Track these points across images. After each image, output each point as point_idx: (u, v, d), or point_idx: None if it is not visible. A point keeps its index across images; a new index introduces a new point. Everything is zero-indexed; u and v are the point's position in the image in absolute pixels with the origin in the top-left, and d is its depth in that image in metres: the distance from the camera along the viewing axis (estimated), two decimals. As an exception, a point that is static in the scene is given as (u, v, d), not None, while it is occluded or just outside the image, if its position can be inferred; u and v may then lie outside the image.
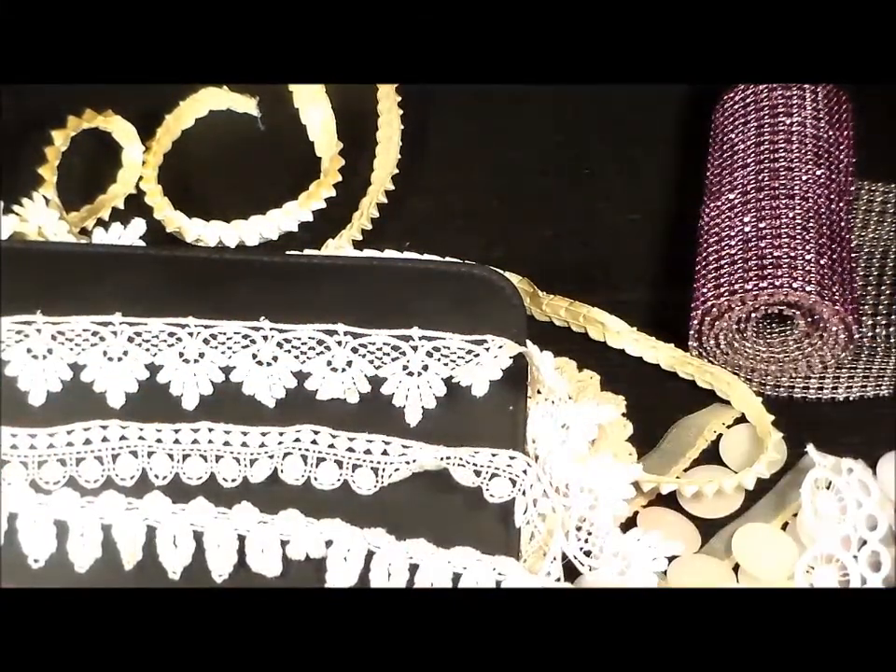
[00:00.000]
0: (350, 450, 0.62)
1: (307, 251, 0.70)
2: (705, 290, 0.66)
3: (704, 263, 0.67)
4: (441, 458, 0.61)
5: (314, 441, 0.62)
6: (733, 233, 0.66)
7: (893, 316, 0.68)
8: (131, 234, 0.70)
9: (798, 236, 0.65)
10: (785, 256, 0.64)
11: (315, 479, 0.61)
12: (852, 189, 0.69)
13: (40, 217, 0.69)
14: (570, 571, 0.61)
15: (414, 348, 0.64)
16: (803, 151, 0.67)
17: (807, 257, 0.64)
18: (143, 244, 0.70)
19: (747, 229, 0.66)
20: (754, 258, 0.65)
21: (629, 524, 0.63)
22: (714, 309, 0.65)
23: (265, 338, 0.64)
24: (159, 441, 0.62)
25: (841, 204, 0.67)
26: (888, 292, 0.69)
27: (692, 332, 0.66)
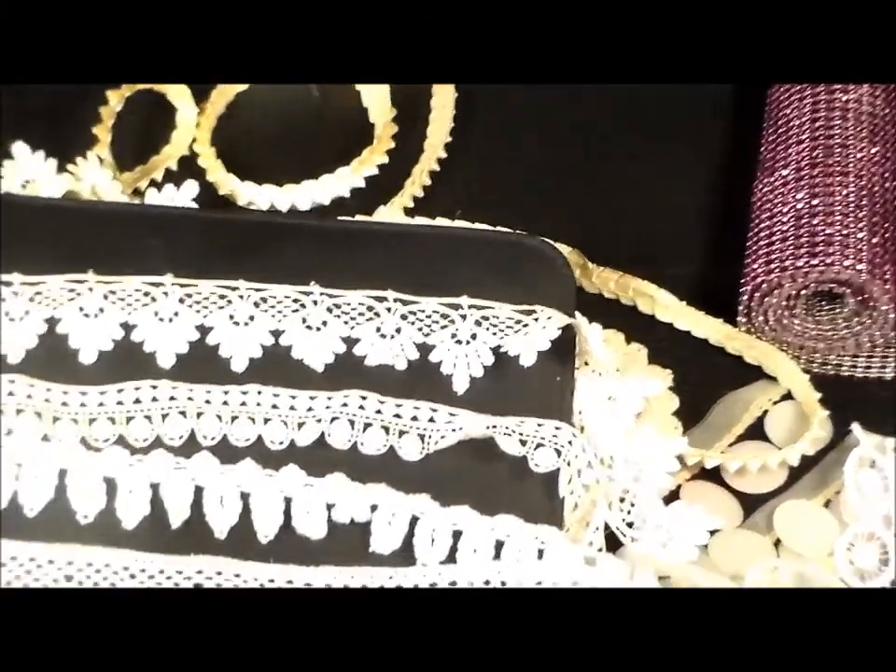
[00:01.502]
0: (397, 416, 0.63)
1: (358, 217, 0.71)
2: (756, 266, 0.67)
3: (756, 239, 0.68)
4: (487, 427, 0.62)
5: (361, 407, 0.63)
6: (785, 210, 0.67)
7: None
8: (183, 196, 0.71)
9: (851, 214, 0.66)
10: (837, 233, 0.65)
11: (362, 444, 0.63)
12: None
13: (94, 177, 0.70)
14: (612, 542, 0.62)
15: (463, 317, 0.65)
16: (858, 128, 0.68)
17: (859, 235, 0.65)
18: (195, 205, 0.71)
19: (800, 205, 0.67)
20: (806, 234, 0.66)
21: (672, 496, 0.65)
22: (764, 285, 0.66)
23: (315, 302, 0.65)
24: (208, 402, 0.63)
25: (895, 183, 0.68)
26: None
27: (741, 308, 0.67)
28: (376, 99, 0.76)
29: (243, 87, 0.76)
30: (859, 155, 0.68)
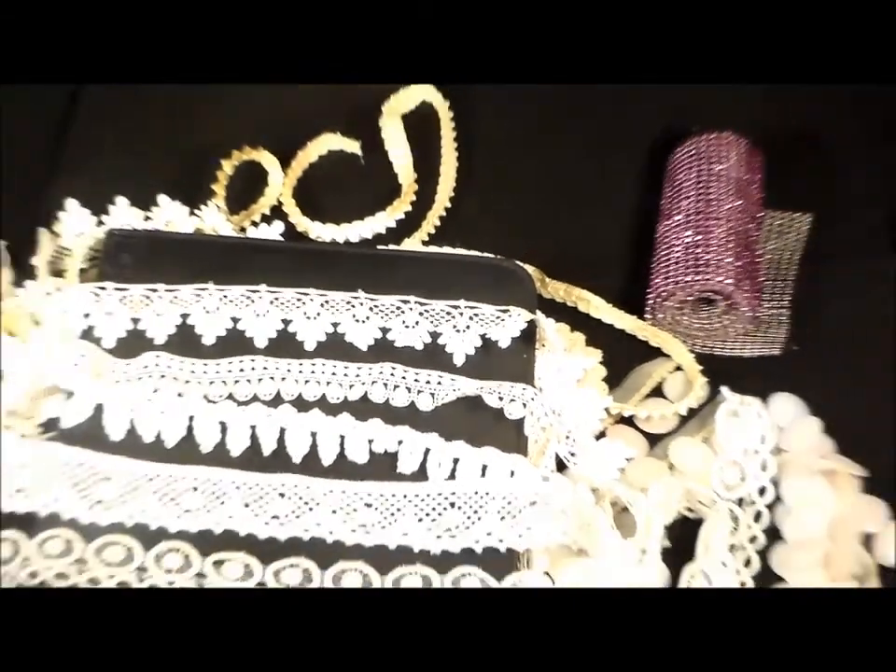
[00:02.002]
0: (416, 380, 0.61)
1: (391, 246, 0.70)
2: (657, 280, 0.65)
3: (657, 262, 0.66)
4: (477, 388, 0.61)
5: (392, 374, 0.61)
6: (677, 243, 0.65)
7: (783, 301, 0.67)
8: (273, 232, 0.69)
9: (721, 246, 0.64)
10: (712, 259, 0.63)
11: (392, 399, 0.61)
12: (761, 214, 0.69)
13: (213, 219, 0.69)
14: (560, 466, 0.61)
15: (461, 313, 0.63)
16: (727, 188, 0.66)
17: (728, 260, 0.63)
18: (281, 238, 0.69)
19: (687, 240, 0.65)
20: (692, 259, 0.64)
21: (601, 436, 0.63)
22: (664, 293, 0.64)
23: (361, 304, 0.63)
24: (289, 370, 0.62)
25: (752, 225, 0.67)
26: (780, 285, 0.68)
27: (647, 308, 0.66)
28: (403, 166, 0.72)
29: (313, 158, 0.73)
30: (727, 206, 0.66)
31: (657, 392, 0.65)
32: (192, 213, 0.69)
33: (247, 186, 0.71)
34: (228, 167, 0.71)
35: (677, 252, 0.65)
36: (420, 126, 0.73)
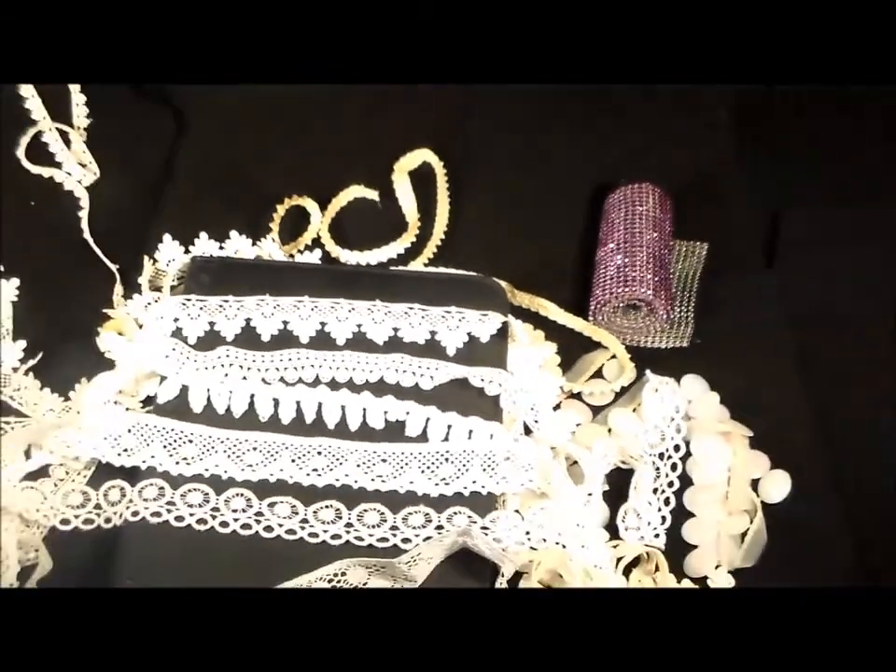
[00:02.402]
0: (419, 367, 0.58)
1: (400, 267, 0.67)
2: (597, 292, 0.63)
3: (597, 278, 0.64)
4: (466, 372, 0.58)
5: (401, 362, 0.59)
6: (611, 264, 0.63)
7: (690, 307, 0.65)
8: (314, 258, 0.67)
9: (644, 266, 0.62)
10: (637, 276, 0.61)
11: (402, 381, 0.58)
12: (672, 243, 0.66)
13: (270, 248, 0.66)
14: (527, 430, 0.58)
15: (453, 317, 0.60)
16: (646, 223, 0.64)
17: (648, 276, 0.61)
18: (319, 262, 0.67)
19: (619, 262, 0.63)
20: (622, 276, 0.62)
21: (556, 408, 0.60)
22: (602, 301, 0.62)
23: (378, 310, 0.61)
24: (325, 360, 0.59)
25: (666, 251, 0.64)
26: (687, 295, 0.65)
27: (590, 312, 0.63)
28: (410, 208, 0.70)
29: (345, 203, 0.70)
30: (647, 237, 0.63)
31: (598, 374, 0.62)
32: (254, 244, 0.67)
33: (295, 223, 0.69)
34: (281, 210, 0.69)
35: (611, 271, 0.63)
36: (422, 179, 0.71)
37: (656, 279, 0.61)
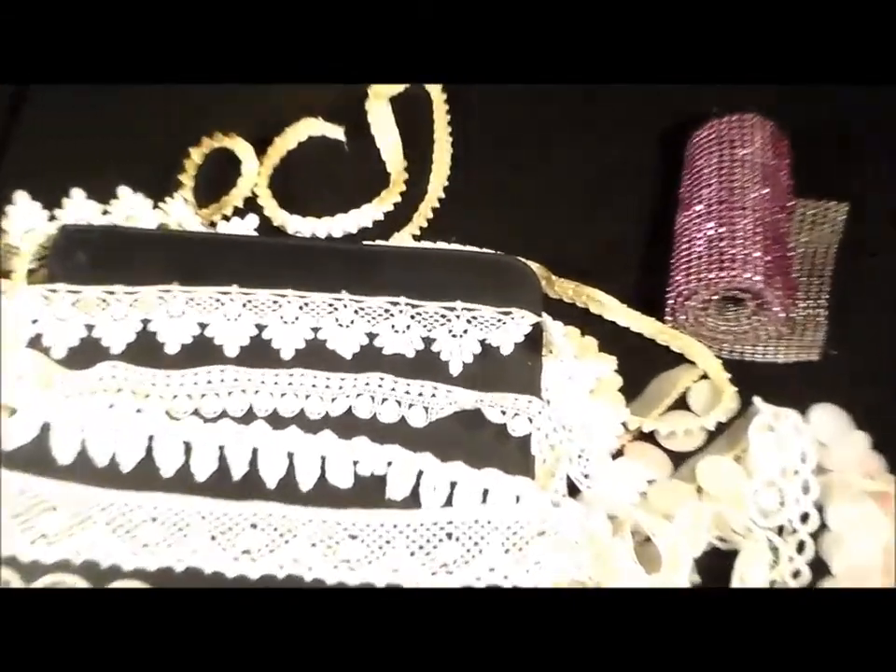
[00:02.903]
0: (407, 392, 0.58)
1: (378, 242, 0.67)
2: (678, 278, 0.63)
3: (677, 258, 0.64)
4: (476, 401, 0.58)
5: (380, 385, 0.58)
6: (699, 236, 0.63)
7: (820, 300, 0.64)
8: (246, 226, 0.67)
9: (749, 239, 0.61)
10: (739, 253, 0.61)
11: (380, 414, 0.58)
12: (791, 203, 0.66)
13: (180, 213, 0.66)
14: (572, 489, 0.58)
15: (458, 316, 0.60)
16: (753, 175, 0.64)
17: (756, 254, 0.61)
18: (255, 233, 0.67)
19: (710, 232, 0.62)
20: (716, 254, 0.61)
21: (618, 454, 0.61)
22: (685, 292, 0.62)
23: (345, 306, 0.61)
24: (262, 382, 0.59)
25: (782, 216, 0.64)
26: (816, 282, 0.65)
27: (667, 310, 0.63)
28: (392, 153, 0.70)
29: (292, 145, 0.71)
30: (753, 195, 0.63)
31: (681, 404, 0.62)
32: (156, 206, 0.66)
33: (218, 176, 0.69)
34: (196, 155, 0.69)
35: (699, 246, 0.62)
36: (410, 109, 0.71)
37: (768, 259, 0.61)
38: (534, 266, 0.63)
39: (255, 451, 0.56)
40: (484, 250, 0.64)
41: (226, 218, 0.67)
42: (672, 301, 0.62)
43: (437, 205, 0.68)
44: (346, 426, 0.57)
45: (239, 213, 0.67)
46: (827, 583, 0.56)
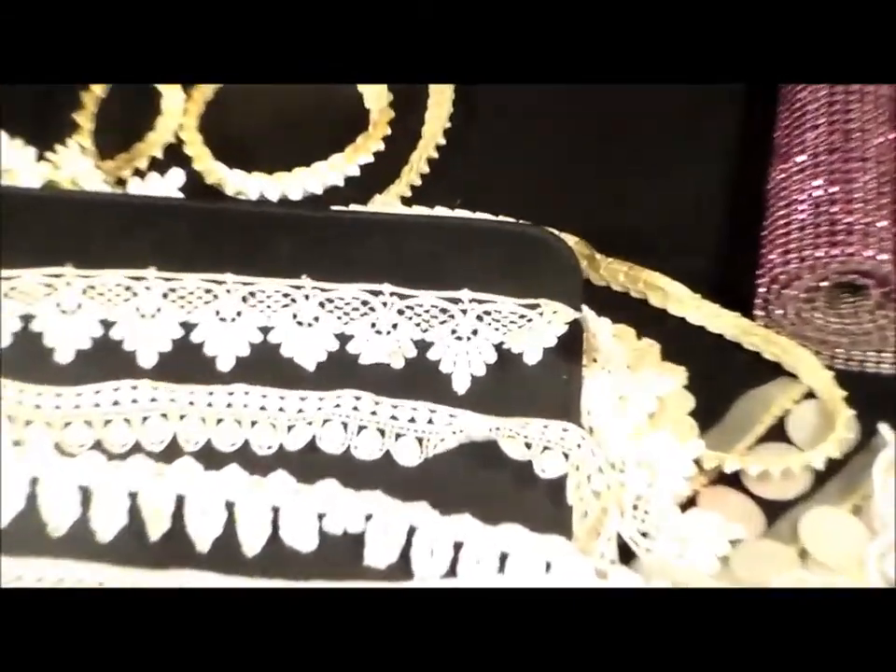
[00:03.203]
0: (393, 418, 0.57)
1: (353, 207, 0.66)
2: (772, 257, 0.61)
3: (772, 228, 0.63)
4: (490, 429, 0.57)
5: (355, 408, 0.58)
6: (802, 197, 0.61)
7: None
8: (169, 185, 0.66)
9: (872, 201, 0.60)
10: (858, 222, 0.59)
11: (356, 448, 0.57)
12: None
13: (74, 165, 0.66)
14: (625, 553, 0.57)
15: (464, 311, 0.60)
16: (877, 112, 0.63)
17: (882, 223, 0.59)
18: (181, 195, 0.66)
19: (817, 193, 0.61)
20: (825, 223, 0.60)
21: (689, 503, 0.59)
22: (783, 276, 0.60)
23: (306, 297, 0.60)
24: (191, 403, 0.58)
25: None
26: None
27: (758, 301, 0.62)
28: (373, 88, 0.71)
29: None
30: (878, 140, 0.62)
31: (777, 433, 0.61)
32: (42, 157, 0.66)
33: (128, 115, 0.69)
34: (98, 88, 0.69)
35: (802, 212, 0.61)
36: None
37: (898, 230, 0.63)
38: (570, 240, 0.63)
39: (180, 499, 0.55)
40: (501, 218, 0.64)
41: (139, 174, 0.67)
42: (764, 290, 0.62)
43: (434, 155, 0.68)
44: (308, 465, 0.57)
45: (158, 166, 0.67)
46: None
